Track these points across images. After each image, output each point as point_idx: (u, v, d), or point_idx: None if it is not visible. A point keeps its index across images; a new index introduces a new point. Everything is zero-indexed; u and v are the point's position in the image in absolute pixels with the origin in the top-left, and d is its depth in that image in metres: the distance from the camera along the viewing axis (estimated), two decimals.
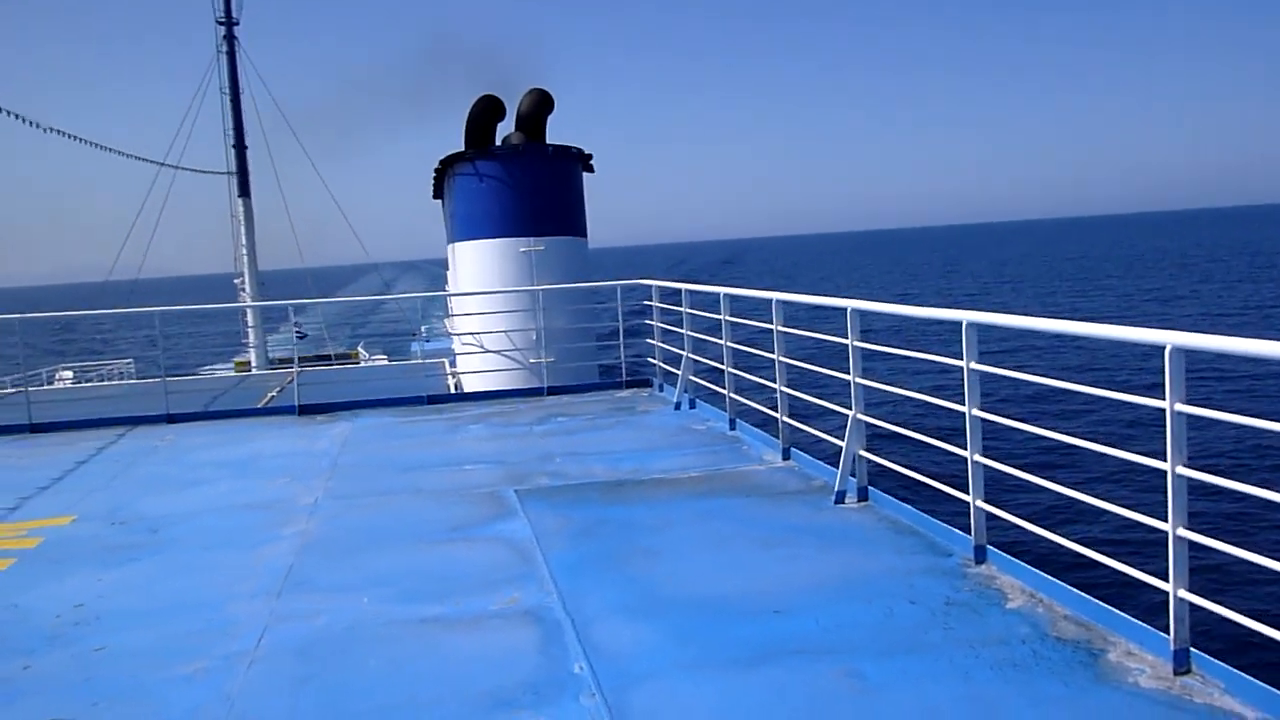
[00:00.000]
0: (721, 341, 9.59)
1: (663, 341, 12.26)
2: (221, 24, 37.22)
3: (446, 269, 19.07)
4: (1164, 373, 3.93)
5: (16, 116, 23.77)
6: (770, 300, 8.21)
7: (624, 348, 13.42)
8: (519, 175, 15.80)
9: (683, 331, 10.86)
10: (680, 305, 10.88)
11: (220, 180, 38.06)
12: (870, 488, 6.89)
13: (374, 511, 7.40)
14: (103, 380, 28.66)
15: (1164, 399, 3.95)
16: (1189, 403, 3.92)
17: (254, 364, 34.09)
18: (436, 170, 16.65)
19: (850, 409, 6.80)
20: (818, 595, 5.16)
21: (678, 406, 11.07)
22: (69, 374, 30.61)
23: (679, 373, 11.00)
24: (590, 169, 17.46)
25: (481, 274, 16.01)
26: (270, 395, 15.45)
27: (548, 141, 17.19)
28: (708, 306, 10.35)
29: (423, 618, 5.15)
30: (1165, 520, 4.01)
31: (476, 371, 16.12)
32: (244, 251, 38.57)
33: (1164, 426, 3.96)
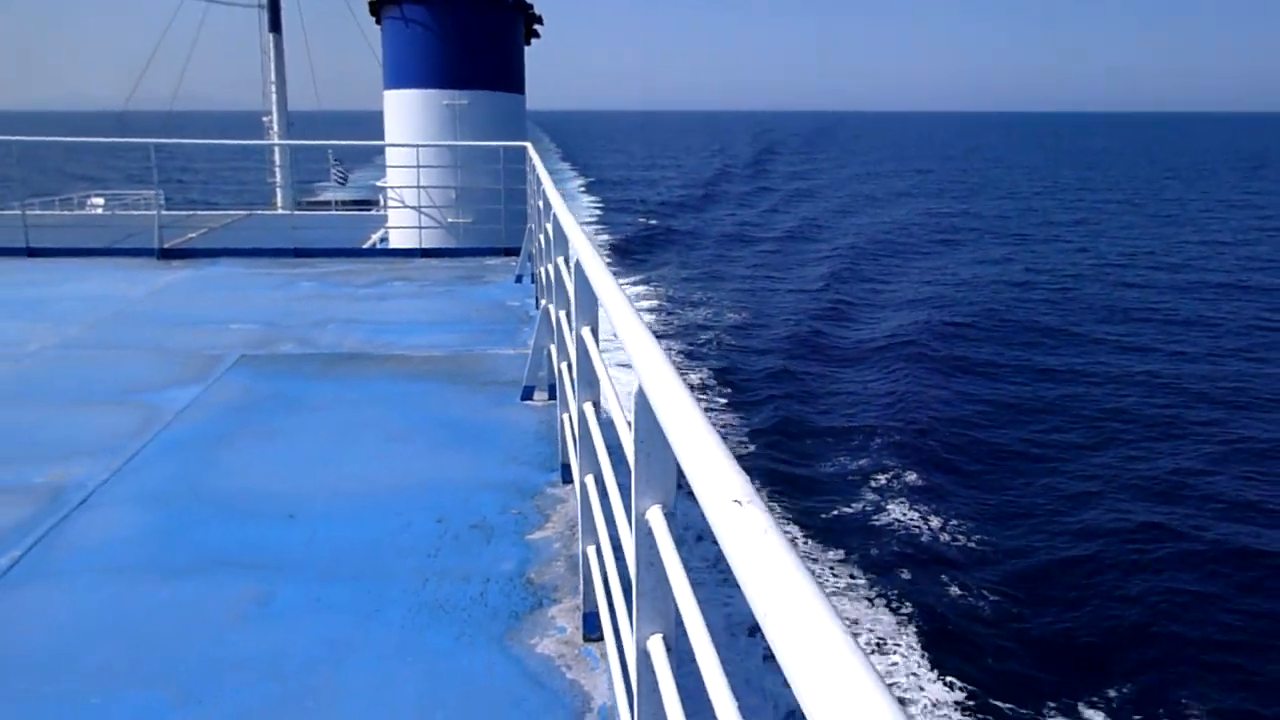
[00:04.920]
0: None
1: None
2: None
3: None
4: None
5: None
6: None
7: (510, 213, 12.77)
8: (446, 23, 14.89)
9: (532, 202, 10.19)
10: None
11: (251, 13, 37.54)
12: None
13: (78, 365, 7.10)
14: (128, 210, 29.11)
15: None
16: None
17: (280, 205, 34.28)
18: (370, 10, 15.80)
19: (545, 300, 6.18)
20: (356, 502, 4.70)
21: (518, 279, 10.50)
22: (100, 200, 31.17)
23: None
24: (538, 21, 16.41)
25: (408, 126, 15.35)
26: (189, 237, 15.24)
27: None
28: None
29: None
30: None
31: (398, 227, 15.69)
32: (273, 89, 38.41)
33: None
